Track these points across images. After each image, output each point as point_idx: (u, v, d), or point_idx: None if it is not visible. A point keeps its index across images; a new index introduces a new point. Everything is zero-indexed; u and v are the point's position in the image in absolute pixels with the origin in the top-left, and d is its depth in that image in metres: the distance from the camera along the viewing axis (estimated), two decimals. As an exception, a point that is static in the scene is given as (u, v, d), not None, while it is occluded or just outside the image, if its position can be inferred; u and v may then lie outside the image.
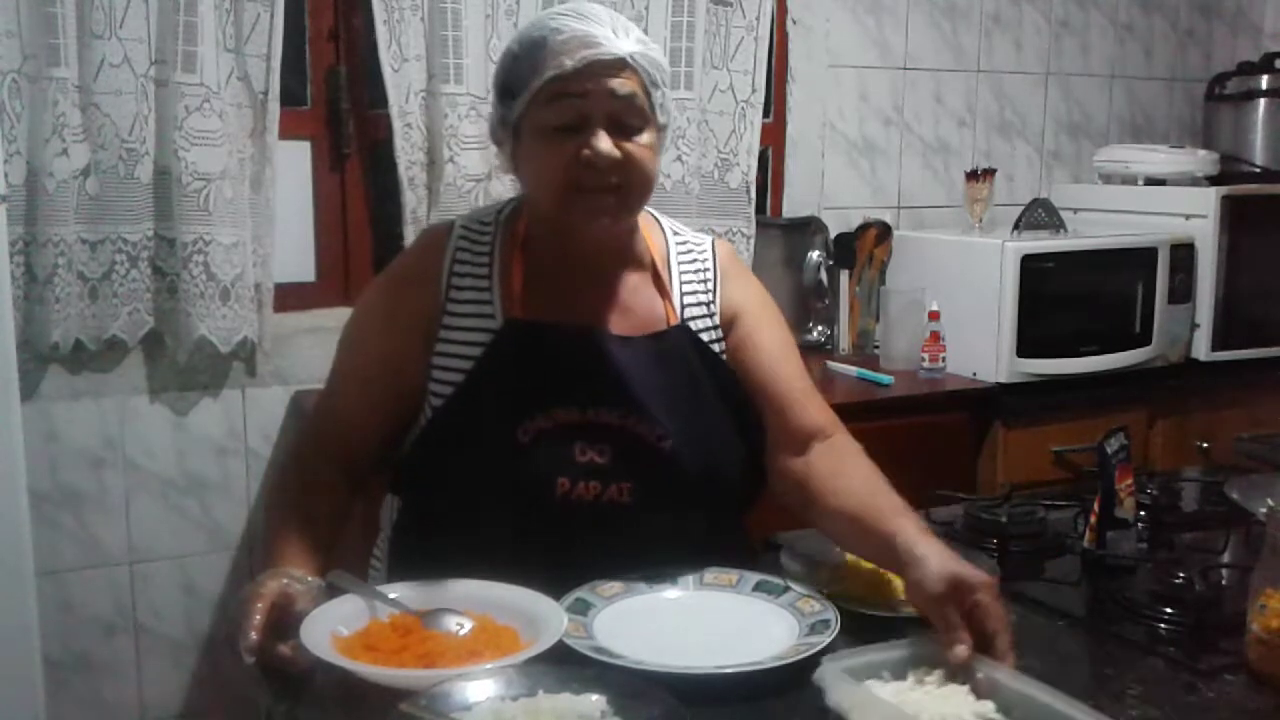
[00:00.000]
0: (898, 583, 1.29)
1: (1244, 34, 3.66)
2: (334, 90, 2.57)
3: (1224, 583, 1.43)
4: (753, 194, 2.83)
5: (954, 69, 3.23)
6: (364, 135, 2.62)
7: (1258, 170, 3.23)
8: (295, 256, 2.60)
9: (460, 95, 2.45)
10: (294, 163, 2.57)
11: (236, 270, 2.34)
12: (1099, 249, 2.79)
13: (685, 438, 1.38)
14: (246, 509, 2.51)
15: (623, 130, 1.35)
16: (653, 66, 1.36)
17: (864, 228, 2.99)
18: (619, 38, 1.33)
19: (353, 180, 2.63)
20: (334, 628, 1.16)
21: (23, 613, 1.89)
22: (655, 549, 1.37)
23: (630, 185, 1.36)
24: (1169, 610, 1.31)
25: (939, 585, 1.15)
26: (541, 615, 1.19)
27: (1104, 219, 3.04)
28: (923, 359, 2.72)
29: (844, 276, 2.96)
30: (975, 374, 2.71)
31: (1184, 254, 2.84)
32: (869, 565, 1.38)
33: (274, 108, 2.35)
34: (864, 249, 2.97)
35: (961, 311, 2.69)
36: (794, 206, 3.06)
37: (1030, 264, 2.65)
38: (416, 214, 2.49)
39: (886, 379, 2.65)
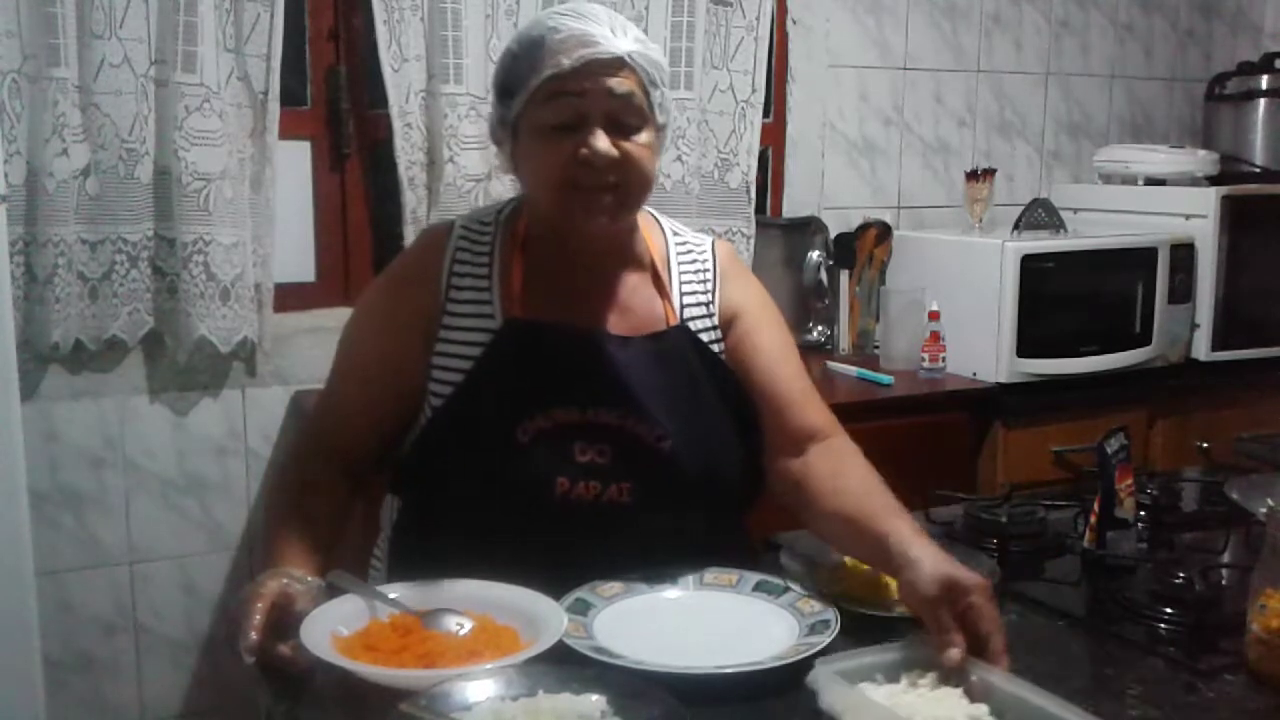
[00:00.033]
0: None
1: (1244, 34, 3.66)
2: (334, 90, 2.57)
3: (1224, 583, 1.43)
4: (753, 194, 2.83)
5: (954, 69, 3.23)
6: (364, 135, 2.62)
7: (1258, 170, 3.23)
8: (295, 256, 2.60)
9: (460, 95, 2.45)
10: (294, 163, 2.57)
11: (236, 270, 2.34)
12: (1099, 249, 2.79)
13: (685, 438, 1.38)
14: (246, 509, 2.52)
15: (621, 129, 1.34)
16: (651, 66, 1.36)
17: (864, 228, 2.99)
18: (617, 37, 1.33)
19: (353, 180, 2.63)
20: (334, 628, 1.16)
21: (23, 613, 1.89)
22: (655, 549, 1.37)
23: (628, 184, 1.36)
24: (1169, 610, 1.31)
25: (932, 587, 1.15)
26: (541, 615, 1.19)
27: (1104, 219, 3.04)
28: (923, 359, 2.72)
29: (844, 276, 2.96)
30: (975, 374, 2.71)
31: (1184, 254, 2.84)
32: (868, 566, 1.38)
33: (274, 108, 2.35)
34: (864, 249, 2.97)
35: (961, 311, 2.69)
36: (794, 206, 3.06)
37: (1030, 264, 2.65)
38: (416, 214, 2.49)
39: (886, 379, 2.65)
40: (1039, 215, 2.93)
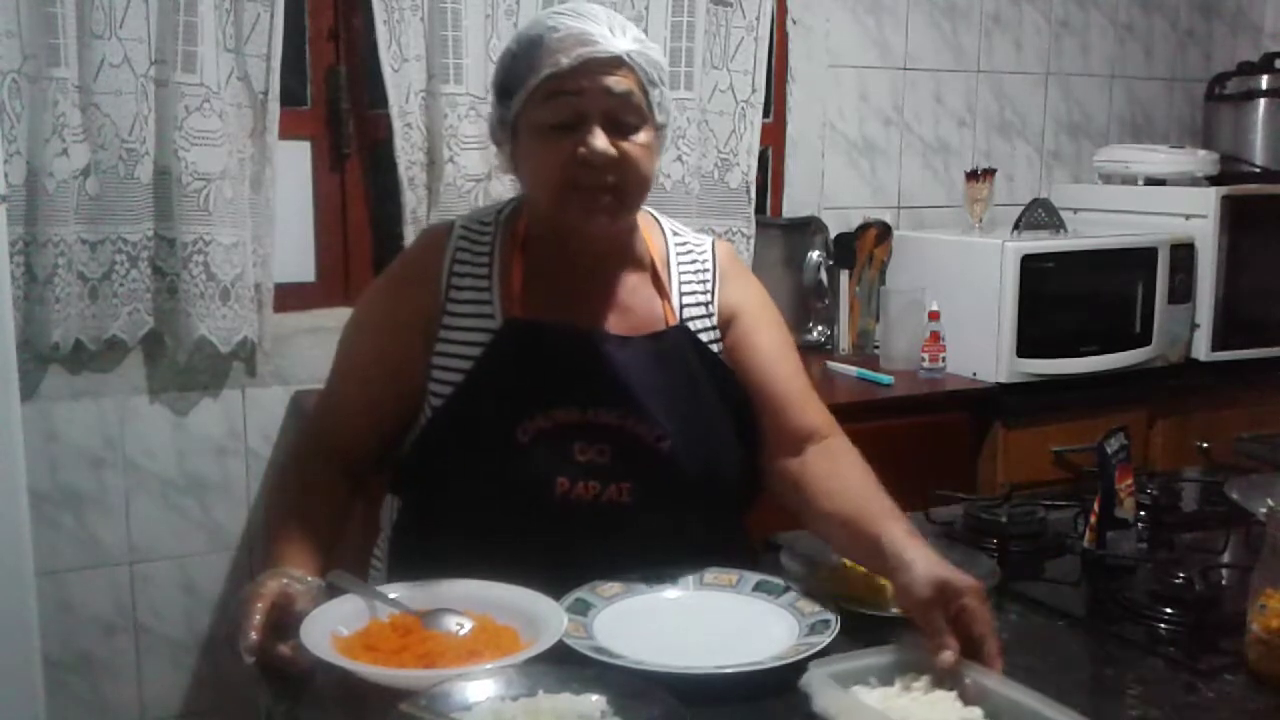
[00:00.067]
0: (895, 584, 1.29)
1: (1244, 34, 3.66)
2: (334, 90, 2.57)
3: (1224, 583, 1.43)
4: (753, 194, 2.83)
5: (954, 69, 3.23)
6: (364, 135, 2.62)
7: (1258, 170, 3.23)
8: (295, 256, 2.60)
9: (460, 95, 2.45)
10: (294, 163, 2.57)
11: (236, 270, 2.34)
12: (1099, 249, 2.79)
13: (684, 438, 1.38)
14: (246, 509, 2.52)
15: (619, 129, 1.34)
16: (650, 65, 1.36)
17: (864, 228, 2.99)
18: (616, 36, 1.33)
19: (353, 180, 2.63)
20: (334, 628, 1.16)
21: (23, 613, 1.89)
22: (655, 549, 1.37)
23: (627, 184, 1.36)
24: (1169, 610, 1.31)
25: (926, 590, 1.15)
26: (541, 615, 1.19)
27: (1104, 219, 3.04)
28: (923, 359, 2.72)
29: (844, 276, 2.96)
30: (975, 374, 2.71)
31: (1184, 254, 2.84)
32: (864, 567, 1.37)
33: (274, 108, 2.35)
34: (864, 249, 2.97)
35: (961, 311, 2.69)
36: (794, 206, 3.06)
37: (1030, 264, 2.65)
38: (416, 214, 2.49)
39: (886, 379, 2.65)
40: (1039, 215, 2.93)
